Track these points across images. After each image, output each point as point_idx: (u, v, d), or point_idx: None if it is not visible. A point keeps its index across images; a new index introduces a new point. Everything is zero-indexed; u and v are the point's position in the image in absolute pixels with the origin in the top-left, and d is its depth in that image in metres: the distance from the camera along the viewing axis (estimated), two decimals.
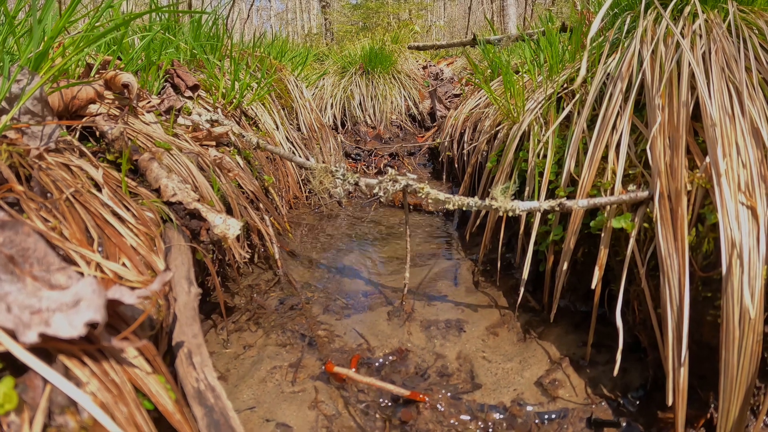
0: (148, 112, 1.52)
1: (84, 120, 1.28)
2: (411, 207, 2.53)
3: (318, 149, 2.62)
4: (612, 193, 1.32)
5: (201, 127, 1.74)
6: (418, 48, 3.68)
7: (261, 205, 1.75)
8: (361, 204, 2.66)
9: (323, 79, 4.47)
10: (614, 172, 1.37)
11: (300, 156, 2.49)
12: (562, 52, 2.06)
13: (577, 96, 1.76)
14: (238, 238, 1.52)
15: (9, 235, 0.64)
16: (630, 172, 1.34)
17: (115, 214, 0.93)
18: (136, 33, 2.74)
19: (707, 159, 1.18)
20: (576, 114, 1.66)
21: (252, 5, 18.56)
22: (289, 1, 28.64)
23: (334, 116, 4.16)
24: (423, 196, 1.37)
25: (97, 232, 0.83)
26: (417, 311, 1.51)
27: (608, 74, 1.63)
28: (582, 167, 1.46)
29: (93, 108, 1.32)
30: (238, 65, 2.20)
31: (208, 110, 2.05)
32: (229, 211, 1.52)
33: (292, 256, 1.89)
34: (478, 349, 1.36)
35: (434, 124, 3.39)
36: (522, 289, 1.49)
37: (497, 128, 2.26)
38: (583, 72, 1.35)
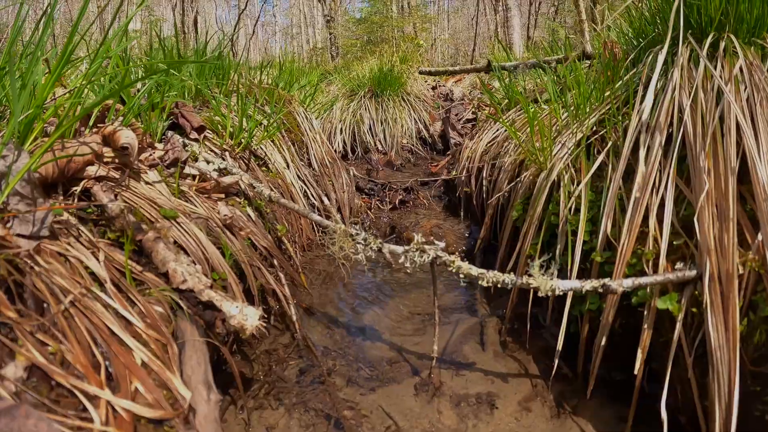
0: (151, 167, 1.42)
1: (81, 186, 1.18)
2: None
3: (330, 186, 2.52)
4: (656, 270, 1.21)
5: (209, 176, 1.64)
6: (429, 73, 3.59)
7: (275, 261, 1.64)
8: None
9: (333, 103, 4.38)
10: (656, 240, 1.26)
11: (313, 193, 2.38)
12: (589, 92, 1.95)
13: (610, 144, 1.64)
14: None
15: (6, 423, 0.53)
16: (674, 242, 1.23)
17: (120, 315, 0.82)
18: (137, 65, 2.65)
19: (759, 237, 1.07)
20: (610, 167, 1.55)
21: (257, 21, 18.68)
22: (294, 16, 28.69)
23: (344, 141, 4.06)
24: (454, 270, 1.26)
25: (102, 351, 0.73)
26: (445, 383, 1.39)
27: (644, 123, 1.52)
28: (619, 229, 1.35)
29: (91, 170, 1.22)
30: (245, 102, 2.09)
31: (215, 153, 1.95)
32: (242, 276, 1.41)
33: (309, 314, 1.78)
34: (511, 430, 1.25)
35: (448, 152, 3.29)
36: (556, 361, 1.38)
37: (520, 168, 2.15)
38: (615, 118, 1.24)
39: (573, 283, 1.19)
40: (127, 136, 1.19)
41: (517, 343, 1.60)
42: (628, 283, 1.17)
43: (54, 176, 1.15)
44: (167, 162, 1.49)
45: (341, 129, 4.09)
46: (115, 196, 1.13)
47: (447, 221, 2.64)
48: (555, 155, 1.84)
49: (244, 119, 2.05)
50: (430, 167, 3.32)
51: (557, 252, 1.56)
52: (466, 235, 2.50)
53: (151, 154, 1.51)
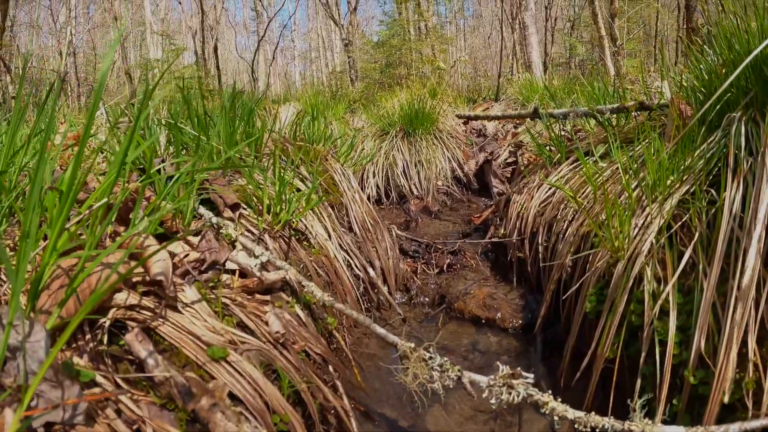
0: (186, 277, 1.22)
1: (110, 317, 0.98)
2: (482, 320, 2.19)
3: (374, 252, 2.30)
4: (758, 404, 0.98)
5: (250, 271, 1.44)
6: (468, 117, 3.38)
7: (331, 367, 1.43)
8: (423, 313, 2.33)
9: (363, 143, 4.20)
10: (756, 367, 1.04)
11: (357, 263, 2.17)
12: (667, 167, 1.70)
13: (696, 236, 1.40)
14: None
15: None
16: None
17: None
18: (159, 123, 2.47)
19: None
20: (700, 267, 1.31)
21: (276, 47, 18.73)
22: (312, 41, 28.84)
23: (377, 186, 3.87)
24: (548, 412, 1.03)
25: None
26: None
27: (735, 216, 1.29)
28: (714, 347, 1.13)
29: (120, 297, 1.02)
30: (281, 170, 1.89)
31: (252, 233, 1.74)
32: (301, 402, 1.19)
33: (366, 418, 1.56)
34: None
35: (491, 203, 3.07)
36: None
37: (584, 242, 1.92)
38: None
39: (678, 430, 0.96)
40: (159, 268, 0.99)
41: None
42: (735, 428, 0.94)
43: (75, 312, 0.95)
44: (205, 266, 1.29)
45: (374, 172, 3.90)
46: (155, 344, 0.93)
47: (499, 287, 2.41)
48: (632, 239, 1.60)
49: (283, 189, 1.85)
50: (472, 218, 3.10)
51: (641, 359, 1.33)
52: (522, 305, 2.26)
53: (186, 255, 1.31)
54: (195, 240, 1.46)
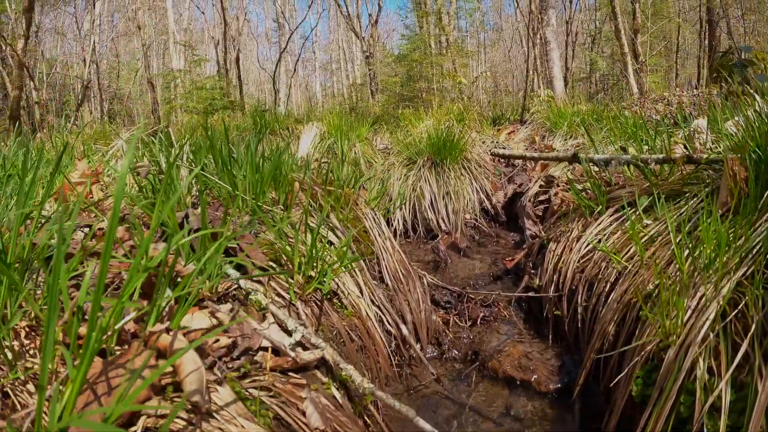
0: (216, 367, 1.12)
1: (140, 426, 0.88)
2: (517, 381, 2.07)
3: (406, 305, 2.20)
4: None
5: (283, 349, 1.34)
6: (503, 156, 3.28)
7: None
8: (455, 370, 2.22)
9: (389, 171, 4.10)
10: None
11: (389, 319, 2.06)
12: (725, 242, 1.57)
13: (753, 328, 1.28)
14: None
15: None
16: None
17: None
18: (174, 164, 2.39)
19: None
20: (756, 364, 1.19)
21: (298, 59, 18.71)
22: (333, 52, 28.91)
23: (404, 218, 3.76)
24: None
25: None
26: None
27: None
28: None
29: (150, 403, 0.93)
30: (314, 233, 1.79)
31: (283, 297, 1.65)
32: None
33: None
34: None
35: (520, 237, 2.95)
36: None
37: (629, 309, 1.79)
38: None
39: None
40: (194, 384, 0.90)
41: None
42: None
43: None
44: (237, 352, 1.19)
45: (400, 204, 3.79)
46: None
47: (533, 345, 2.28)
48: (685, 324, 1.48)
49: (316, 251, 1.75)
50: (504, 260, 2.98)
51: None
52: (558, 366, 2.14)
53: (216, 341, 1.21)
54: (222, 313, 1.37)
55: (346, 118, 6.51)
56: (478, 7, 28.17)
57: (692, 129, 3.17)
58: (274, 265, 1.72)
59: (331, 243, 2.04)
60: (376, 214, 2.39)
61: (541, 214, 3.33)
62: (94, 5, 18.36)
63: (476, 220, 3.86)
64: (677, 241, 1.82)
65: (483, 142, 5.09)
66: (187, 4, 21.89)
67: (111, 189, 2.41)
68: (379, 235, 2.31)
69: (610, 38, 25.32)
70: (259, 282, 1.62)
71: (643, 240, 2.07)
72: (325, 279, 1.71)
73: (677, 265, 1.75)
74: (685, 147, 3.20)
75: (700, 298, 1.53)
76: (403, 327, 2.10)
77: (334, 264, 1.74)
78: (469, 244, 3.54)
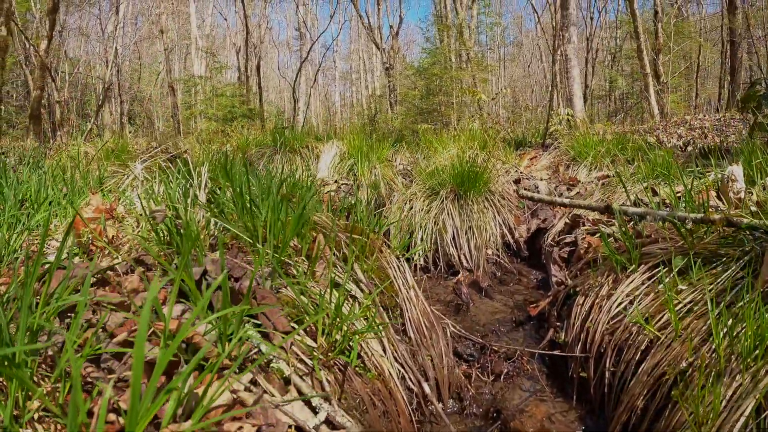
0: None
1: None
2: None
3: (429, 361, 2.12)
4: None
5: (308, 429, 1.27)
6: (531, 199, 3.19)
7: None
8: (476, 427, 2.13)
9: (411, 201, 4.03)
10: None
11: (411, 377, 1.98)
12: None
13: None
14: None
15: None
16: None
17: None
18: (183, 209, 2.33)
19: None
20: None
21: (318, 69, 18.75)
22: (353, 62, 28.95)
23: (425, 253, 3.68)
24: None
25: None
26: None
27: None
28: None
29: None
30: (339, 290, 1.72)
31: (306, 364, 1.57)
32: None
33: None
34: None
35: (549, 293, 2.86)
36: None
37: (660, 382, 1.70)
38: None
39: None
40: None
41: None
42: None
43: None
44: None
45: (422, 238, 3.72)
46: None
47: (557, 404, 2.19)
48: (719, 414, 1.39)
49: (339, 307, 1.68)
50: (528, 307, 2.89)
51: None
52: (582, 430, 2.05)
53: (239, 429, 1.14)
54: (242, 387, 1.30)
55: (366, 138, 6.46)
56: (498, 22, 28.14)
57: (726, 176, 3.06)
58: (296, 327, 1.65)
59: (354, 297, 1.97)
60: (401, 263, 2.32)
61: (566, 256, 3.24)
62: (117, 11, 18.55)
63: (498, 257, 3.77)
64: (715, 315, 1.73)
65: (507, 172, 5.00)
66: (210, 10, 22.05)
67: (126, 222, 2.36)
68: (404, 285, 2.24)
69: (630, 56, 25.16)
70: (282, 349, 1.55)
71: (677, 307, 1.98)
72: (351, 344, 1.64)
73: (713, 344, 1.66)
74: (718, 196, 3.10)
75: (737, 388, 1.44)
76: (425, 385, 2.02)
77: (361, 331, 1.66)
78: (490, 283, 3.45)
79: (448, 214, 3.78)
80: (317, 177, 5.69)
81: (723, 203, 2.92)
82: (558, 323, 2.59)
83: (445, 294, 3.30)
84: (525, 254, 4.02)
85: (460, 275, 3.49)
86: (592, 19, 28.76)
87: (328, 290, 1.80)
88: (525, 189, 4.52)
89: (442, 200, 3.87)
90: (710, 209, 2.32)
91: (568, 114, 12.72)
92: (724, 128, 11.21)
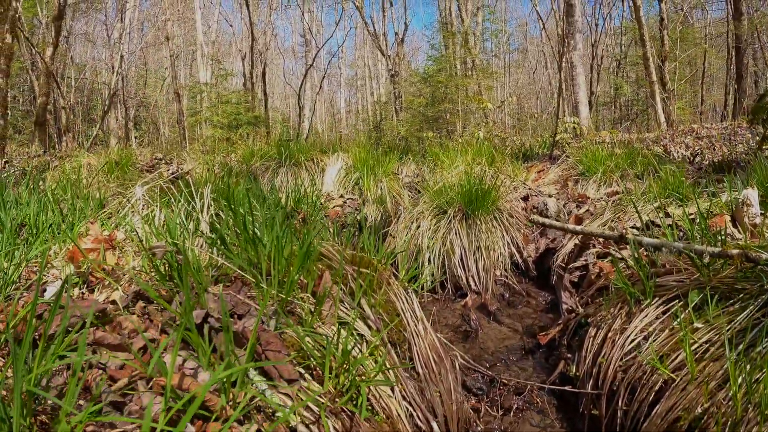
0: None
1: None
2: None
3: (437, 397, 2.05)
4: None
5: None
6: (543, 225, 3.12)
7: None
8: None
9: (418, 220, 3.97)
10: None
11: (419, 415, 1.92)
12: None
13: None
14: None
15: None
16: None
17: None
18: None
19: None
20: None
21: (324, 76, 18.74)
22: (358, 68, 28.93)
23: (433, 274, 3.62)
24: None
25: None
26: None
27: None
28: None
29: None
30: (347, 330, 1.66)
31: (312, 411, 1.52)
32: None
33: None
34: None
35: (559, 321, 2.79)
36: None
37: (676, 426, 1.64)
38: None
39: None
40: None
41: None
42: None
43: None
44: None
45: (429, 258, 3.66)
46: None
47: None
48: None
49: (347, 353, 1.62)
50: (538, 335, 2.82)
51: None
52: None
53: None
54: None
55: (372, 150, 6.41)
56: (504, 29, 28.07)
57: (741, 200, 2.99)
58: (302, 371, 1.60)
59: (362, 336, 1.91)
60: (409, 295, 2.26)
61: (576, 280, 3.17)
62: (122, 19, 18.58)
63: (507, 278, 3.70)
64: (732, 359, 1.67)
65: (515, 188, 4.94)
66: (216, 17, 22.09)
67: (127, 250, 2.31)
68: (412, 319, 2.18)
69: (635, 62, 25.08)
70: (287, 396, 1.49)
71: (693, 347, 1.91)
72: (359, 391, 1.58)
73: (730, 391, 1.60)
74: (733, 221, 3.02)
75: None
76: (434, 423, 1.96)
77: (370, 382, 1.60)
78: (499, 306, 3.39)
79: (456, 234, 3.72)
80: (323, 191, 5.64)
81: (738, 230, 2.85)
82: (569, 354, 2.53)
83: (453, 318, 3.24)
84: (533, 274, 3.96)
85: (468, 298, 3.43)
86: (597, 25, 28.72)
87: (335, 330, 1.74)
88: (534, 207, 4.46)
89: (450, 220, 3.81)
90: (728, 242, 2.25)
91: (574, 122, 12.67)
92: (732, 137, 11.13)
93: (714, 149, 8.86)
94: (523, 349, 2.84)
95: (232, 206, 2.01)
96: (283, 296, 1.70)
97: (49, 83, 15.40)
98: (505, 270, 3.78)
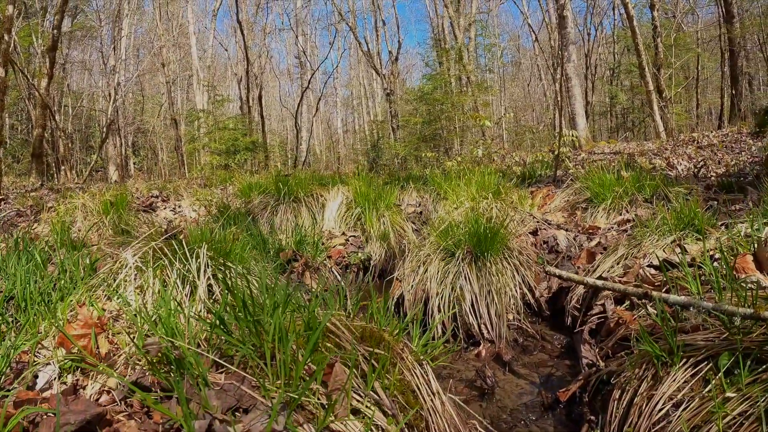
0: None
1: None
2: None
3: None
4: None
5: None
6: (560, 277, 2.99)
7: None
8: None
9: (426, 263, 3.85)
10: None
11: None
12: None
13: None
14: None
15: None
16: None
17: None
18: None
19: None
20: None
21: (320, 98, 18.62)
22: (354, 88, 28.93)
23: (443, 324, 3.49)
24: None
25: None
26: None
27: None
28: None
29: None
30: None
31: None
32: None
33: None
34: None
35: (579, 377, 2.66)
36: None
37: None
38: None
39: None
40: None
41: None
42: None
43: None
44: None
45: (439, 306, 3.53)
46: None
47: None
48: None
49: None
50: (558, 393, 2.69)
51: None
52: None
53: None
54: None
55: (372, 181, 6.30)
56: (497, 44, 28.10)
57: (763, 239, 2.88)
58: None
59: (377, 426, 1.77)
60: (425, 368, 2.13)
61: (594, 327, 3.04)
62: (114, 49, 18.59)
63: (519, 322, 3.57)
64: None
65: (522, 221, 4.82)
66: (211, 42, 22.07)
67: (121, 335, 2.18)
68: (428, 395, 2.05)
69: (629, 70, 25.11)
70: None
71: (725, 419, 1.78)
72: None
73: None
74: (755, 260, 2.90)
75: None
76: None
77: None
78: (513, 354, 3.26)
79: (465, 278, 3.59)
80: (324, 228, 5.52)
81: (764, 273, 2.72)
82: (592, 417, 2.39)
83: (467, 371, 3.10)
84: (546, 314, 3.83)
85: (481, 347, 3.29)
86: (589, 35, 28.79)
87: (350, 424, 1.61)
88: (544, 242, 4.34)
89: (458, 263, 3.68)
90: (758, 302, 2.12)
91: (572, 135, 12.61)
92: (733, 146, 11.05)
93: (718, 161, 8.77)
94: (543, 406, 2.70)
95: (231, 287, 1.89)
96: (292, 394, 1.57)
97: (45, 115, 15.35)
98: (518, 313, 3.65)
